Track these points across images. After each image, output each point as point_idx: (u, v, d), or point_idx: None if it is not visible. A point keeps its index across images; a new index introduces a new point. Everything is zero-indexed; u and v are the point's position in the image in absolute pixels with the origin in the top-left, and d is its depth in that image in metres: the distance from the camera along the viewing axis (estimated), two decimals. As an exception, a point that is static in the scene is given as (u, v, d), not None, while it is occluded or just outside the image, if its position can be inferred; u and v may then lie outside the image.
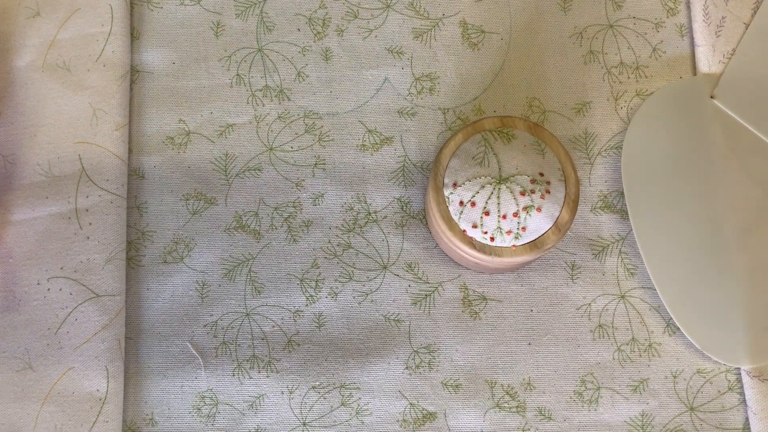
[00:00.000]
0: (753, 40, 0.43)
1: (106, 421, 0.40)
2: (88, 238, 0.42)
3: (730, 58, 0.43)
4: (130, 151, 0.44)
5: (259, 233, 0.43)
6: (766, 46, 0.43)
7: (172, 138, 0.44)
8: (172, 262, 0.43)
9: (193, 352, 0.42)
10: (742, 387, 0.41)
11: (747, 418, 0.40)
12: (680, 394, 0.41)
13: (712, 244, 0.41)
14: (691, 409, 0.41)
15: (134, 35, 0.45)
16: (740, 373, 0.41)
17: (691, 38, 0.44)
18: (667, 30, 0.45)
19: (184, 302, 0.42)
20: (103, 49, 0.44)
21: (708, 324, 0.40)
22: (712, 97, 0.43)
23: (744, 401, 0.40)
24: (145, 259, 0.43)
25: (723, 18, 0.44)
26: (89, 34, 0.45)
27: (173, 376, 0.42)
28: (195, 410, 0.41)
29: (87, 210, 0.43)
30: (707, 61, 0.44)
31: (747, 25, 0.44)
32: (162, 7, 0.46)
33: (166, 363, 0.42)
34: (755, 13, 0.44)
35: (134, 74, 0.45)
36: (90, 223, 0.42)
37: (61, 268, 0.42)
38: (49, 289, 0.42)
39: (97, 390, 0.40)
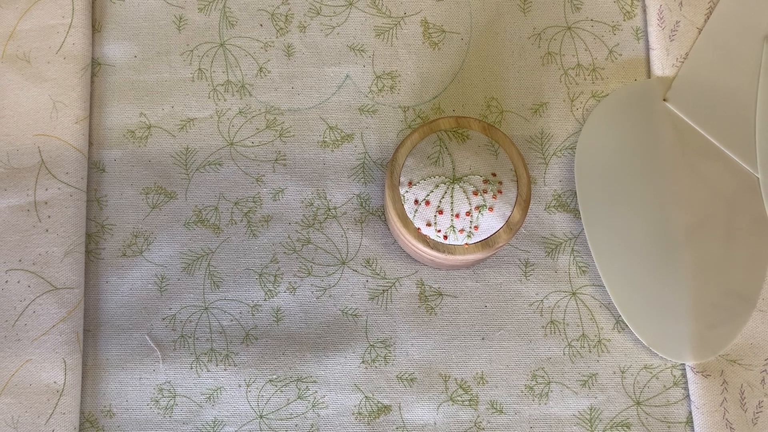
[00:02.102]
0: (705, 45, 0.44)
1: (64, 413, 0.41)
2: (47, 230, 0.42)
3: (683, 62, 0.44)
4: (90, 144, 0.44)
5: (218, 228, 0.43)
6: (718, 51, 0.44)
7: (133, 131, 0.44)
8: (132, 256, 0.43)
9: (152, 345, 0.42)
10: (686, 382, 0.42)
11: (690, 412, 0.42)
12: (627, 388, 0.42)
13: (660, 244, 0.42)
14: (638, 403, 0.42)
15: (96, 28, 0.45)
16: (685, 369, 0.42)
17: (647, 41, 0.45)
18: (623, 33, 0.45)
19: (143, 295, 0.43)
20: (63, 41, 0.44)
21: (655, 321, 0.42)
22: (664, 99, 0.44)
23: (688, 396, 0.42)
24: (105, 252, 0.43)
25: (677, 22, 0.45)
26: (50, 25, 0.44)
27: (131, 369, 0.42)
28: (153, 402, 0.42)
29: (46, 203, 0.43)
30: (661, 64, 0.45)
31: (700, 30, 0.45)
32: (124, 0, 0.46)
33: (125, 356, 0.42)
34: (708, 18, 0.45)
35: (95, 67, 0.45)
36: (49, 216, 0.42)
37: (20, 261, 0.42)
38: (7, 282, 0.42)
39: (55, 382, 0.41)
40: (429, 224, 0.38)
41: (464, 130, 0.39)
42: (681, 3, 0.45)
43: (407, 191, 0.38)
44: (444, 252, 0.38)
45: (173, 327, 0.42)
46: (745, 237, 0.42)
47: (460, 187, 0.37)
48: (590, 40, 0.45)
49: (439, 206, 0.37)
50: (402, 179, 0.38)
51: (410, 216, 0.38)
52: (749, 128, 0.44)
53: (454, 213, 0.37)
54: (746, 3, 0.45)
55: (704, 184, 0.43)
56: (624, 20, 0.46)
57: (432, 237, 0.38)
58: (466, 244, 0.38)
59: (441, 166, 0.38)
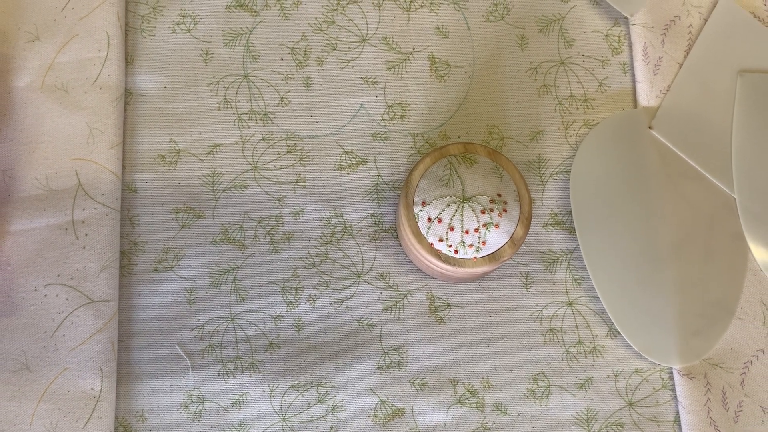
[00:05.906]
0: (686, 78, 0.49)
1: (100, 418, 0.43)
2: (84, 247, 0.45)
3: (666, 94, 0.49)
4: (123, 167, 0.47)
5: (243, 244, 0.47)
6: (698, 84, 0.49)
7: (164, 156, 0.48)
8: (163, 271, 0.46)
9: (182, 353, 0.45)
10: (673, 384, 0.45)
11: (677, 412, 0.45)
12: (620, 390, 0.45)
13: (648, 258, 0.46)
14: (630, 404, 0.45)
15: (128, 60, 0.49)
16: (672, 372, 0.45)
17: (633, 75, 0.49)
18: (611, 67, 0.50)
19: (173, 308, 0.46)
20: (99, 73, 0.48)
21: (645, 329, 0.45)
22: (650, 127, 0.48)
23: (675, 397, 0.45)
24: (137, 267, 0.46)
25: (660, 58, 0.49)
26: (86, 58, 0.48)
27: (162, 376, 0.45)
28: (182, 408, 0.44)
29: (83, 222, 0.46)
30: (646, 96, 0.49)
31: (681, 65, 0.49)
32: (155, 35, 0.49)
33: (156, 364, 0.45)
34: (687, 54, 0.49)
35: (128, 96, 0.48)
36: (86, 234, 0.45)
37: (58, 276, 0.45)
38: (46, 295, 0.44)
39: (92, 388, 0.43)
40: (441, 240, 0.42)
41: (472, 155, 0.43)
42: (663, 41, 0.49)
43: (421, 210, 0.42)
44: (455, 265, 0.42)
45: (201, 337, 0.45)
46: (724, 251, 0.46)
47: (469, 206, 0.41)
48: (582, 73, 0.50)
49: (450, 223, 0.41)
50: (416, 199, 0.42)
51: (424, 233, 0.42)
52: (726, 153, 0.48)
53: (464, 229, 0.41)
54: (721, 41, 0.49)
55: (687, 203, 0.47)
56: (612, 56, 0.50)
57: (444, 251, 0.42)
58: (475, 257, 0.42)
59: (452, 188, 0.42)
